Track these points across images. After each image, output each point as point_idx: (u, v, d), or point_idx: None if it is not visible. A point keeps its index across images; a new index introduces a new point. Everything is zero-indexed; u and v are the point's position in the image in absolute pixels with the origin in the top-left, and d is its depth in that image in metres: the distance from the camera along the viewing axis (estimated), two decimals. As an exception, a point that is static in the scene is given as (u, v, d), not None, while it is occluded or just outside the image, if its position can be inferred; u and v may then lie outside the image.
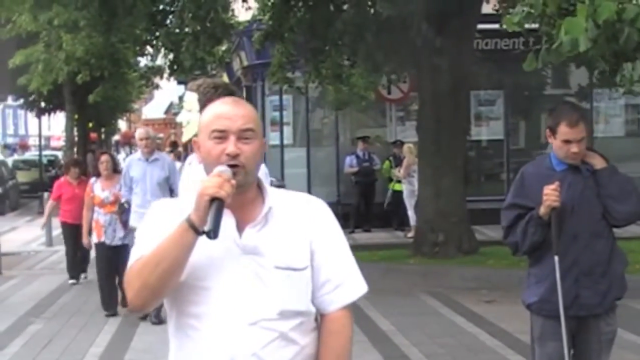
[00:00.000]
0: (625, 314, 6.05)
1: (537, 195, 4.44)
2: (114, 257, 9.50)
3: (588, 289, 4.51)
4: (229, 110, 2.48)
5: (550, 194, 4.38)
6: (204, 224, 2.31)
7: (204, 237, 2.33)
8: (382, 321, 9.21)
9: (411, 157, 16.28)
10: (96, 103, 16.80)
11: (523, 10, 6.43)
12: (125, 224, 9.47)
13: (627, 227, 4.86)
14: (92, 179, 10.25)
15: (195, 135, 2.62)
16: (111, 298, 9.78)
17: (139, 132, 9.90)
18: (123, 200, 9.57)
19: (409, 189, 16.37)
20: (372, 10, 12.38)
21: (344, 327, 2.57)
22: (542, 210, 4.42)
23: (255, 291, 2.42)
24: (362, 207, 17.42)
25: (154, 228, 2.48)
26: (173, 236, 2.35)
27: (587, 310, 4.54)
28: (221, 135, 2.45)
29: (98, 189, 10.00)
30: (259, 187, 2.54)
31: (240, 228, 2.45)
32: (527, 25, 6.78)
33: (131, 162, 9.84)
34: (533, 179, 4.60)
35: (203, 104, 4.07)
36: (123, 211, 9.46)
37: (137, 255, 2.44)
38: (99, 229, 9.84)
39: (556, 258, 4.42)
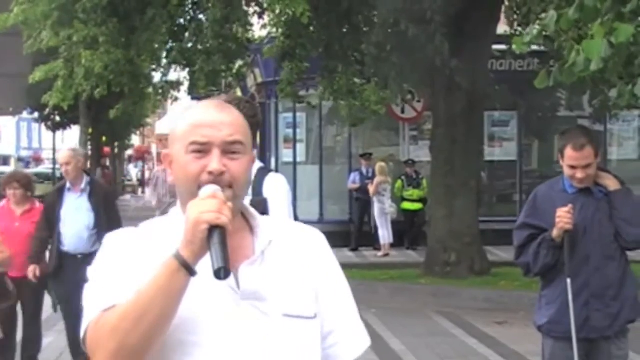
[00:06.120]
0: (638, 338, 6.00)
1: (550, 217, 4.44)
2: None
3: (599, 312, 4.50)
4: (212, 117, 1.96)
5: (563, 217, 4.37)
6: (198, 261, 1.81)
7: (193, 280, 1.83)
8: (393, 341, 9.18)
9: (381, 177, 16.33)
10: (113, 118, 16.91)
11: (535, 29, 6.44)
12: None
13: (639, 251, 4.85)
14: None
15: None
16: None
17: None
18: None
19: (379, 208, 16.42)
20: (389, 31, 12.43)
21: None
22: (555, 232, 4.41)
23: (261, 347, 1.90)
24: (367, 225, 17.30)
25: (121, 267, 1.91)
26: (158, 279, 1.80)
27: (598, 333, 4.52)
28: (202, 149, 1.93)
29: None
30: (243, 214, 2.03)
31: (231, 267, 1.87)
32: (535, 47, 6.79)
33: None
34: (546, 200, 4.60)
35: None
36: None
37: (103, 305, 1.85)
38: None
39: (568, 280, 4.41)
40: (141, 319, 1.79)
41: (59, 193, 7.46)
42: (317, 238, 2.10)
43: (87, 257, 7.05)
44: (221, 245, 1.80)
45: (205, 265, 1.81)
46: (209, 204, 1.82)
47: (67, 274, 7.22)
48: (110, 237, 2.00)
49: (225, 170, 1.92)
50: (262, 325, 1.91)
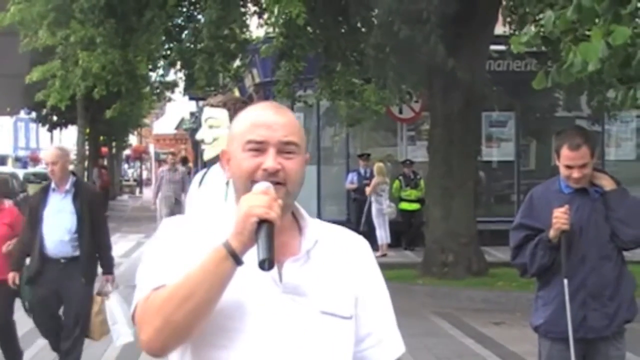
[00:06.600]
0: (635, 338, 6.01)
1: (546, 217, 4.45)
2: None
3: (596, 311, 4.51)
4: (269, 118, 2.07)
5: (560, 217, 4.38)
6: (246, 251, 1.93)
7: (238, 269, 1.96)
8: (390, 341, 9.18)
9: (380, 177, 16.33)
10: (110, 118, 16.95)
11: (532, 29, 6.44)
12: None
13: (638, 250, 4.85)
14: None
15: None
16: None
17: None
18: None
19: (376, 208, 16.43)
20: (387, 31, 12.43)
21: None
22: (552, 233, 4.42)
23: (296, 339, 2.01)
24: (363, 225, 17.26)
25: (173, 250, 2.04)
26: (206, 265, 1.92)
27: (595, 333, 4.53)
28: (258, 147, 2.04)
29: None
30: (293, 213, 2.14)
31: (276, 261, 1.98)
32: (535, 49, 6.77)
33: None
34: (542, 200, 4.61)
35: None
36: None
37: (154, 284, 1.99)
38: None
39: (565, 281, 4.42)
40: (187, 299, 1.91)
41: (44, 193, 7.09)
42: (361, 244, 2.21)
43: (71, 262, 6.92)
44: (268, 238, 1.90)
45: (252, 257, 1.92)
46: (261, 199, 1.94)
47: (46, 278, 6.95)
48: (167, 222, 2.14)
49: (279, 168, 2.03)
50: (299, 319, 2.02)
